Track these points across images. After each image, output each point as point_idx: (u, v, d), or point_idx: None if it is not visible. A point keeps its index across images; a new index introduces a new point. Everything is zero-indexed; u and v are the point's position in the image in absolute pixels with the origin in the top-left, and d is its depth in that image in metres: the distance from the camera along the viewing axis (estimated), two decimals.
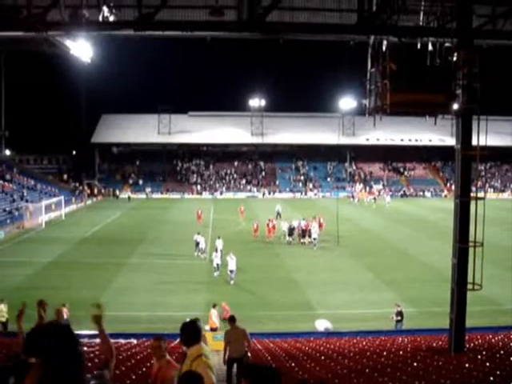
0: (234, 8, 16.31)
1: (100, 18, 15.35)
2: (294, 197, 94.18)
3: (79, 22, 15.19)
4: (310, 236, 46.33)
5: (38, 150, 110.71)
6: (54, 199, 67.17)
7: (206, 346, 6.45)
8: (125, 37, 17.96)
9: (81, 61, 22.34)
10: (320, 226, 50.69)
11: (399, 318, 24.92)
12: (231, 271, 33.21)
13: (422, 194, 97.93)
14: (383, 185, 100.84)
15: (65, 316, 21.83)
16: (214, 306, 24.23)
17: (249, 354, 14.91)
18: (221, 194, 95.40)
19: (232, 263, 33.22)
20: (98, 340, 19.38)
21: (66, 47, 19.93)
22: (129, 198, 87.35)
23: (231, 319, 15.34)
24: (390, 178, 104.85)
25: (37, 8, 14.63)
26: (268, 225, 48.93)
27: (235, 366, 14.52)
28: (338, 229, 45.06)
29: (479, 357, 14.89)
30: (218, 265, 34.72)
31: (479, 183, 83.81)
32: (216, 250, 36.45)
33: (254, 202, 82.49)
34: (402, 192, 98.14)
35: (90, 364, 11.62)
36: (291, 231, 46.82)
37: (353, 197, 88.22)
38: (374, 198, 79.94)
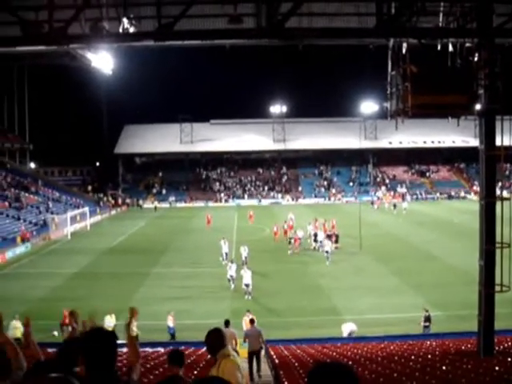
0: (253, 15, 16.35)
1: (120, 30, 15.48)
2: (317, 202, 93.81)
3: (100, 35, 15.34)
4: (315, 241, 46.70)
5: (62, 162, 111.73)
6: (79, 210, 67.80)
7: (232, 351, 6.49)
8: (145, 47, 18.14)
9: (102, 72, 22.57)
10: (332, 227, 51.40)
11: (427, 323, 24.69)
12: (246, 285, 31.97)
13: (446, 196, 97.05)
14: (407, 188, 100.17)
15: None
16: (248, 312, 24.32)
17: (263, 347, 19.47)
18: (227, 199, 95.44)
19: (247, 277, 32.06)
20: (125, 349, 19.51)
21: (88, 60, 20.14)
22: (155, 208, 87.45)
23: (252, 321, 20.13)
24: (413, 180, 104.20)
25: (58, 22, 14.81)
26: (284, 227, 52.52)
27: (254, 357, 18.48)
28: (360, 233, 44.90)
29: (509, 359, 14.72)
30: (232, 276, 33.63)
31: (505, 183, 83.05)
32: (232, 261, 35.85)
33: (278, 209, 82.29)
34: (418, 196, 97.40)
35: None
36: (316, 237, 46.78)
37: (372, 203, 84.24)
38: (394, 205, 76.29)
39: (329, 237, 46.33)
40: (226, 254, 40.79)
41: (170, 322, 24.88)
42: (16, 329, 22.12)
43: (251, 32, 16.40)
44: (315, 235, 46.96)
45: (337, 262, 41.22)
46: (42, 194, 74.01)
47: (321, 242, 45.20)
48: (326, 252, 41.42)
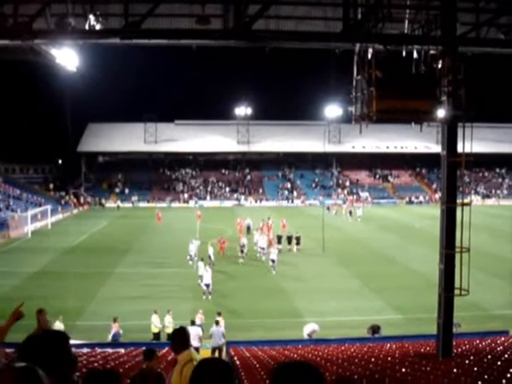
0: (221, 16, 16.36)
1: (86, 27, 15.34)
2: (280, 205, 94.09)
3: (65, 31, 15.17)
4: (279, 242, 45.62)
5: (24, 160, 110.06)
6: (40, 209, 66.84)
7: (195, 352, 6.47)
8: (111, 45, 17.99)
9: (66, 69, 22.30)
10: (283, 227, 52.06)
11: (377, 331, 24.63)
12: (207, 285, 31.66)
13: (408, 200, 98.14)
14: (369, 192, 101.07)
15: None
16: (219, 315, 24.52)
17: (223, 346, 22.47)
18: (194, 202, 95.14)
19: (207, 276, 31.76)
20: (85, 350, 19.33)
21: (52, 56, 19.89)
22: (118, 207, 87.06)
23: (216, 322, 22.94)
24: (376, 185, 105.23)
25: (23, 16, 14.60)
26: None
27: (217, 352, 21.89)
28: (323, 236, 45.17)
29: (467, 362, 14.96)
30: (201, 276, 33.69)
31: (465, 189, 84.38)
32: (194, 256, 37.97)
33: (240, 211, 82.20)
34: (379, 201, 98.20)
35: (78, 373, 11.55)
36: (279, 239, 46.76)
37: (328, 208, 77.16)
38: (350, 212, 72.93)
39: (278, 238, 46.52)
40: (194, 254, 40.18)
41: (198, 320, 24.76)
42: None
43: (218, 33, 16.39)
44: (279, 237, 46.99)
45: (299, 264, 41.40)
46: (2, 191, 72.67)
47: (263, 249, 42.90)
48: (272, 261, 38.36)
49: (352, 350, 20.35)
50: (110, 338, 23.95)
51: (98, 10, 15.59)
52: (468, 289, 16.30)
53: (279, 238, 46.75)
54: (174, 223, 65.57)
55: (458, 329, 22.74)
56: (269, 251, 40.48)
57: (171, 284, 34.98)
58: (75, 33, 15.47)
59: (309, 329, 24.40)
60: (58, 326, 23.03)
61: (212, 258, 38.21)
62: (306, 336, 24.28)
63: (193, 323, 22.28)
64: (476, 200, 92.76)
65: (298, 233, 48.14)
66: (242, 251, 42.39)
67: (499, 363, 13.81)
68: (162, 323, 24.66)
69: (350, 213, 72.36)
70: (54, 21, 15.11)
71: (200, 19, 15.74)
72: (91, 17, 15.22)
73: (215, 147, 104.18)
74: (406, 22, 16.28)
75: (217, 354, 21.70)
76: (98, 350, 19.50)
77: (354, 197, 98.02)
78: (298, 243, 46.87)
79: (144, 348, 8.03)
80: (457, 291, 16.58)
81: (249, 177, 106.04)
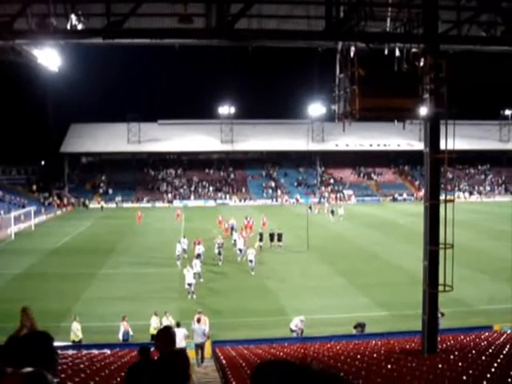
0: (203, 15, 16.33)
1: (68, 27, 15.24)
2: (264, 203, 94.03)
3: (47, 31, 15.06)
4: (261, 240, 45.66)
5: (6, 161, 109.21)
6: (23, 210, 66.44)
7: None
8: (93, 45, 17.88)
9: (48, 70, 22.15)
10: (263, 225, 52.40)
11: (361, 328, 24.81)
12: (189, 284, 31.58)
13: (392, 198, 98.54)
14: (353, 190, 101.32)
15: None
16: (199, 313, 24.45)
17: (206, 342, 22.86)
18: (174, 200, 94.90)
19: (189, 276, 31.65)
20: (70, 351, 19.22)
21: (34, 56, 19.76)
22: (101, 208, 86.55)
23: (198, 320, 22.91)
24: (359, 183, 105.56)
25: (4, 16, 14.49)
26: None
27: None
28: (307, 233, 45.25)
29: (452, 357, 15.05)
30: (199, 273, 34.26)
31: (448, 186, 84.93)
32: (182, 255, 38.26)
33: (225, 210, 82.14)
34: (363, 198, 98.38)
35: (64, 375, 11.51)
36: (260, 236, 46.88)
37: (310, 207, 71.99)
38: (332, 211, 70.31)
39: (260, 235, 46.68)
40: (182, 253, 40.29)
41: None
42: None
43: (201, 32, 16.36)
44: (260, 235, 47.07)
45: (284, 262, 41.46)
46: None
47: (240, 250, 41.82)
48: (250, 261, 37.81)
49: (338, 347, 20.40)
50: (120, 337, 24.03)
51: (80, 9, 15.49)
52: (452, 285, 16.41)
53: (260, 236, 46.93)
54: (157, 223, 65.45)
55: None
56: (246, 252, 39.69)
57: (157, 284, 34.86)
58: (57, 33, 15.37)
59: (295, 322, 24.57)
60: (76, 326, 23.18)
61: (201, 256, 38.34)
62: (293, 327, 24.44)
63: (178, 325, 21.97)
64: (463, 197, 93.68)
65: (280, 229, 48.38)
66: (219, 253, 41.31)
67: (483, 358, 13.91)
68: (160, 322, 24.60)
69: (332, 212, 70.19)
70: (35, 21, 15.00)
71: (182, 18, 15.69)
72: (73, 16, 15.13)
73: (199, 147, 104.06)
74: (388, 20, 16.34)
75: (199, 352, 22.28)
76: (84, 352, 19.41)
77: (336, 195, 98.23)
78: (279, 240, 47.14)
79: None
80: (441, 287, 16.68)
81: (232, 176, 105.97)
